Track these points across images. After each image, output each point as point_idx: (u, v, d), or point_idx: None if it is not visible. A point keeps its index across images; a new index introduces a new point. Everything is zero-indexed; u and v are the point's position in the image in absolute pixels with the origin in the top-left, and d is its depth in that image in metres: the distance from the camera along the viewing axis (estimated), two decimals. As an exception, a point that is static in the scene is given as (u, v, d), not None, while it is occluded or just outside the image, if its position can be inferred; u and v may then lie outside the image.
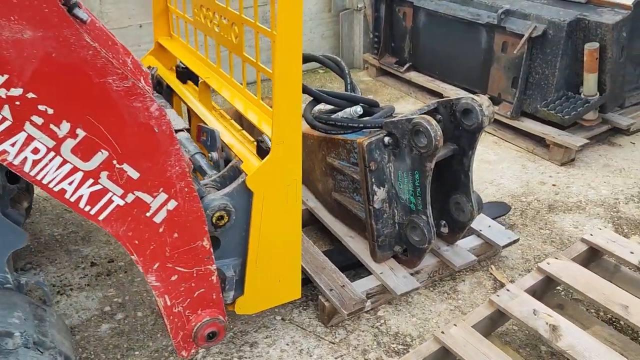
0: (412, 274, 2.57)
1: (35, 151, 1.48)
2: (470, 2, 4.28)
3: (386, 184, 2.47)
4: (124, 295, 2.67)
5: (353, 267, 2.75)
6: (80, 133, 1.50)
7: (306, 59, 2.66)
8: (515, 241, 2.83)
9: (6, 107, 1.41)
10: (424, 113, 2.40)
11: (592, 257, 2.62)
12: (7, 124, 1.43)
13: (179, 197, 1.70)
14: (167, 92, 2.79)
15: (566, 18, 3.69)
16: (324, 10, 5.51)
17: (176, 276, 1.82)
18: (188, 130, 2.35)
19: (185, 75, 2.76)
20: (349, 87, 2.63)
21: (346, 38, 5.68)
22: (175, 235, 1.75)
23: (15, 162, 1.48)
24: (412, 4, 4.72)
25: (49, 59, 1.39)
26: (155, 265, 1.77)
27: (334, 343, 2.40)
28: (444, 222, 2.66)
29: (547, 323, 2.13)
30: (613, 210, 3.31)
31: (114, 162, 1.57)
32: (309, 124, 2.56)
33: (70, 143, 1.50)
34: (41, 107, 1.44)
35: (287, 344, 2.40)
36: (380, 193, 2.46)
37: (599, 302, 2.25)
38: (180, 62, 2.77)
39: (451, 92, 4.51)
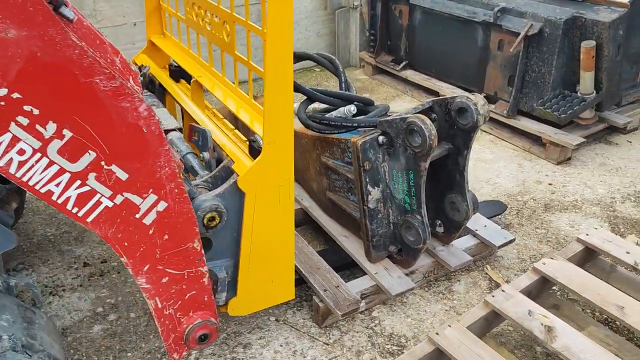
0: (407, 274, 2.56)
1: (21, 152, 1.46)
2: (467, 0, 4.27)
3: (381, 184, 2.45)
4: (116, 296, 2.65)
5: (348, 267, 2.73)
6: (67, 134, 1.48)
7: (300, 57, 2.64)
8: (511, 241, 2.82)
9: (-9, 107, 1.38)
10: (419, 112, 2.38)
11: (588, 257, 2.61)
12: (-8, 124, 1.40)
13: (169, 199, 1.68)
14: (159, 91, 2.76)
15: (562, 16, 3.68)
16: (320, 8, 5.48)
17: (167, 278, 1.80)
18: (180, 130, 2.33)
19: (178, 74, 2.74)
20: (343, 86, 2.61)
21: (342, 36, 5.65)
22: (166, 237, 1.73)
23: (1, 164, 1.45)
24: (408, 2, 4.70)
25: (34, 59, 1.37)
26: (146, 268, 1.75)
27: (328, 344, 2.39)
28: (439, 221, 2.65)
29: (542, 324, 2.12)
30: (609, 209, 3.29)
31: (102, 163, 1.55)
32: (302, 123, 2.53)
33: (56, 144, 1.48)
34: (27, 108, 1.42)
35: (281, 345, 2.38)
36: (374, 193, 2.44)
37: (594, 303, 2.23)
38: (173, 60, 2.75)
39: (447, 90, 4.49)
